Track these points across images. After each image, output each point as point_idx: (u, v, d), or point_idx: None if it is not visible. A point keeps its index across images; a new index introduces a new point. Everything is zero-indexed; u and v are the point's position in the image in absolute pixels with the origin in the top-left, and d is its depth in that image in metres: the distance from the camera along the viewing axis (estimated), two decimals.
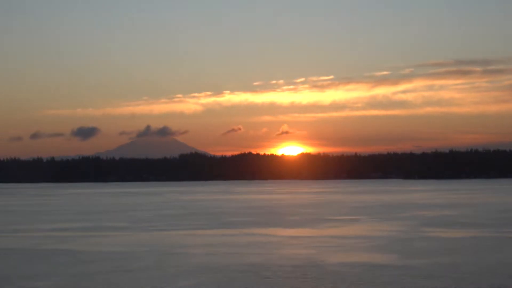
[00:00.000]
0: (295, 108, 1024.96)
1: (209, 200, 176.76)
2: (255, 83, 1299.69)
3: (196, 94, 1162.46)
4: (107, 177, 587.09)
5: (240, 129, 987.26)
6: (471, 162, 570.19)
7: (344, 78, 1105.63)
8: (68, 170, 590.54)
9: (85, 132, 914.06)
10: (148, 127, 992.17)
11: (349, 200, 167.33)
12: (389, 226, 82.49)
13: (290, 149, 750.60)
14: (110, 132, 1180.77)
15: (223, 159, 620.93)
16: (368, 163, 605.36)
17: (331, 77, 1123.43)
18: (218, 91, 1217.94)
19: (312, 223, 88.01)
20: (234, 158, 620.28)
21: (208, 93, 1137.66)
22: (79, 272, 45.56)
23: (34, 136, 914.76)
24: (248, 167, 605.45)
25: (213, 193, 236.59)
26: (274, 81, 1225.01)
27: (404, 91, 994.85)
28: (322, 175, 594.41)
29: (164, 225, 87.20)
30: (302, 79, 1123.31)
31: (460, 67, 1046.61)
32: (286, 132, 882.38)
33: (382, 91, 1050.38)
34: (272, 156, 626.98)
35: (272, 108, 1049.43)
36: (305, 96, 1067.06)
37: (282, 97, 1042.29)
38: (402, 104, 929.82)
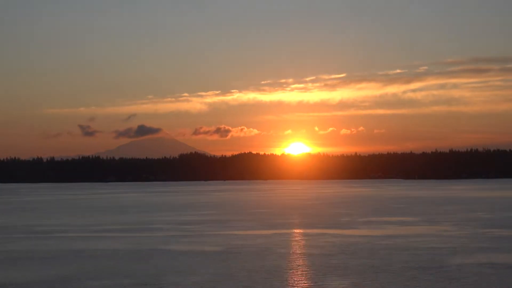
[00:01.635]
0: (302, 107, 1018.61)
1: (260, 199, 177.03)
2: (263, 82, 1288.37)
3: (202, 93, 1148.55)
4: (107, 177, 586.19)
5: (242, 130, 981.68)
6: (471, 162, 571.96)
7: (357, 76, 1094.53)
8: (68, 170, 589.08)
9: (148, 131, 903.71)
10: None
11: (386, 198, 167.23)
12: (462, 226, 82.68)
13: (293, 149, 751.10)
14: (112, 131, 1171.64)
15: (223, 159, 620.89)
16: (368, 163, 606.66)
17: (343, 75, 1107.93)
18: (225, 90, 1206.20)
19: (380, 224, 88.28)
20: (234, 158, 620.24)
21: (216, 92, 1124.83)
22: (221, 271, 45.56)
23: (38, 135, 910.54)
24: (248, 167, 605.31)
25: (251, 191, 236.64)
26: (283, 80, 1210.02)
27: (415, 90, 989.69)
28: (322, 175, 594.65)
29: (252, 225, 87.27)
30: (313, 78, 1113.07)
31: (477, 65, 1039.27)
32: (291, 133, 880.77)
33: (393, 89, 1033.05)
34: (272, 156, 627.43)
35: (278, 108, 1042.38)
36: (314, 95, 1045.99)
37: (290, 96, 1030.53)
38: (410, 103, 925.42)
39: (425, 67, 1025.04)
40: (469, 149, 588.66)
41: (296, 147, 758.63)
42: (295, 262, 50.68)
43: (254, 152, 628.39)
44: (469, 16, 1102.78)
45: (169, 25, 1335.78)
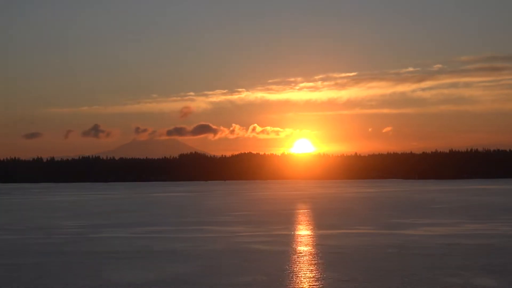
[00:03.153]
0: (308, 106, 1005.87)
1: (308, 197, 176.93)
2: (270, 81, 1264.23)
3: (208, 92, 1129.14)
4: (107, 177, 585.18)
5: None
6: (471, 162, 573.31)
7: (368, 75, 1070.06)
8: (68, 170, 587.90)
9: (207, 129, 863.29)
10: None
11: (415, 198, 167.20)
12: None
13: (297, 148, 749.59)
14: (116, 130, 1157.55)
15: (223, 159, 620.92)
16: (368, 163, 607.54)
17: (354, 74, 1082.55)
18: (232, 89, 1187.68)
19: (455, 224, 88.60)
20: (234, 158, 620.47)
21: (223, 91, 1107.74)
22: (352, 271, 45.71)
23: (36, 134, 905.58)
24: (248, 167, 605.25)
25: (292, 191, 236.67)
26: (292, 79, 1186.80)
27: (424, 89, 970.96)
28: (322, 174, 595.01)
29: (314, 224, 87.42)
30: (323, 76, 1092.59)
31: (492, 64, 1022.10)
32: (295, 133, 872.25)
33: (404, 88, 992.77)
34: (272, 156, 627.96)
35: (285, 107, 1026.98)
36: (323, 94, 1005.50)
37: (298, 95, 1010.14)
38: (418, 102, 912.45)
39: (439, 65, 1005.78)
40: (469, 149, 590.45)
41: (301, 147, 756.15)
42: (429, 263, 50.64)
43: (254, 152, 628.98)
44: (486, 13, 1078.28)
45: (173, 22, 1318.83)
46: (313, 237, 71.11)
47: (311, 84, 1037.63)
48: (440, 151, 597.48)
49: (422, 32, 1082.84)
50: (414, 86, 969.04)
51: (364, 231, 78.25)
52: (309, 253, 56.97)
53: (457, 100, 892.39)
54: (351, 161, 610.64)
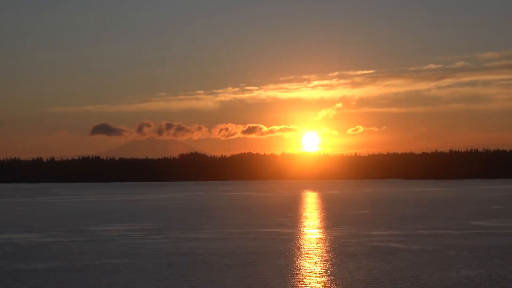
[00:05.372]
0: (319, 105, 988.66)
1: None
2: (282, 78, 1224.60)
3: (218, 91, 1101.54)
4: (107, 177, 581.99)
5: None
6: (471, 162, 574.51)
7: (386, 72, 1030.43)
8: (68, 170, 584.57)
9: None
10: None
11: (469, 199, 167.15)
12: None
13: (303, 148, 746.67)
14: (120, 130, 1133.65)
15: (223, 159, 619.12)
16: (368, 163, 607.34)
17: (371, 71, 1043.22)
18: (243, 88, 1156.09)
19: None
20: (234, 158, 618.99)
21: (234, 89, 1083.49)
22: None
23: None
24: (248, 167, 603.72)
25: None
26: (306, 76, 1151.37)
27: (440, 87, 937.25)
28: (322, 175, 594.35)
29: (399, 225, 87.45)
30: (337, 73, 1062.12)
31: None
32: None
33: (421, 87, 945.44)
34: (272, 156, 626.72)
35: (294, 106, 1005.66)
36: (336, 92, 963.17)
37: (312, 93, 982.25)
38: (429, 101, 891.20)
39: (461, 63, 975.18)
40: (469, 149, 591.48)
41: (307, 147, 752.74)
42: None
43: (254, 152, 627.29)
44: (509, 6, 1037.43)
45: (181, 19, 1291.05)
46: (436, 237, 71.23)
47: (325, 81, 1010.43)
48: (440, 151, 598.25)
49: (445, 27, 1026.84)
50: (432, 84, 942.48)
51: (465, 231, 78.51)
52: (466, 250, 57.11)
53: (471, 99, 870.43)
54: (351, 161, 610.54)
